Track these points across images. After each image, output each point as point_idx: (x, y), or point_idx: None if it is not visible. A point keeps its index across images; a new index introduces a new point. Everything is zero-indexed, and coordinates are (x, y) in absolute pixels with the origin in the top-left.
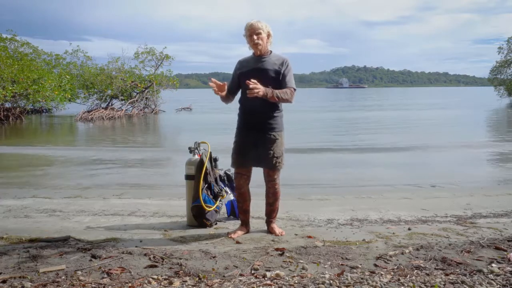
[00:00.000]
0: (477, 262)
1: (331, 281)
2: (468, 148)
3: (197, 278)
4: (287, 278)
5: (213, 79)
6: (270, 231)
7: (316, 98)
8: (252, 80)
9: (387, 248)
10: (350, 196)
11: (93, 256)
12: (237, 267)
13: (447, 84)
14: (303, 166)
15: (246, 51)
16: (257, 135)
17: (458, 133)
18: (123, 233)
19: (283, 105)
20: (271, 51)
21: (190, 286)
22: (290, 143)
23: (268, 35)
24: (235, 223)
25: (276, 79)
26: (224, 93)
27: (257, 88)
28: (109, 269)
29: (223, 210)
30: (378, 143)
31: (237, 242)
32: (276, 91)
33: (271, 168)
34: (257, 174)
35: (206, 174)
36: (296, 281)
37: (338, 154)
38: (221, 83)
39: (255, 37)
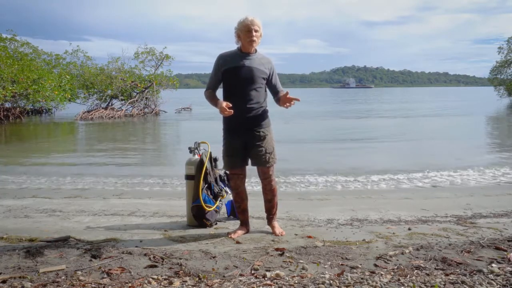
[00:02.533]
0: (477, 262)
1: (331, 281)
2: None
3: (197, 278)
4: (287, 278)
5: (226, 107)
6: (270, 227)
7: (329, 98)
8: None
9: (387, 248)
10: (350, 196)
11: (93, 256)
12: (237, 267)
13: (447, 84)
14: None
15: None
16: (246, 134)
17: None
18: (123, 233)
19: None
20: (256, 49)
21: (190, 286)
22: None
23: (260, 35)
24: (235, 223)
25: (262, 78)
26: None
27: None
28: (109, 269)
29: (223, 210)
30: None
31: (237, 242)
32: None
33: (265, 165)
34: (254, 173)
35: (206, 174)
36: (296, 281)
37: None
38: (230, 104)
39: (254, 33)
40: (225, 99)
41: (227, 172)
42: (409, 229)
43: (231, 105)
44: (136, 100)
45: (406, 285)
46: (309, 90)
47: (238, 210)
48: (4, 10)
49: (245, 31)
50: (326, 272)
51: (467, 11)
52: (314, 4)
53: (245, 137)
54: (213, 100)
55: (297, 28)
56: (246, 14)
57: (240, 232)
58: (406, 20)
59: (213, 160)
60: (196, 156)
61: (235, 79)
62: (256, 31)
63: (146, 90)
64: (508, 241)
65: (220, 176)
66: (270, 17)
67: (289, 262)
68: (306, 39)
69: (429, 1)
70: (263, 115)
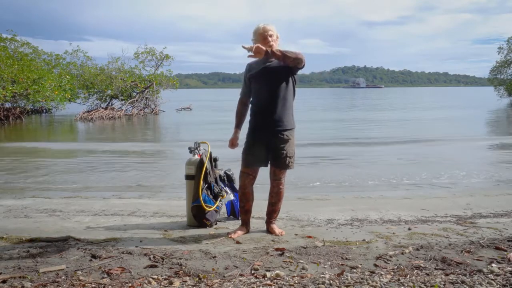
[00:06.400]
0: (477, 262)
1: (331, 281)
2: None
3: (197, 278)
4: (287, 278)
5: (232, 145)
6: (269, 231)
7: (347, 99)
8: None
9: (387, 248)
10: (350, 196)
11: (93, 256)
12: (237, 267)
13: (447, 84)
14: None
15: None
16: (269, 135)
17: None
18: (123, 233)
19: (294, 103)
20: None
21: (190, 286)
22: None
23: (277, 37)
24: (235, 223)
25: (286, 76)
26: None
27: (259, 47)
28: (109, 269)
29: (223, 210)
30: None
31: (237, 242)
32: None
33: (284, 168)
34: (259, 174)
35: (206, 174)
36: (296, 281)
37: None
38: (236, 141)
39: (269, 38)
40: (253, 102)
41: (227, 172)
42: (409, 229)
43: (236, 146)
44: (136, 100)
45: (406, 285)
46: (309, 90)
47: (241, 210)
48: (4, 10)
49: (262, 39)
50: (326, 272)
51: (467, 11)
52: (314, 4)
53: (268, 138)
54: (237, 119)
55: (297, 28)
56: (252, 18)
57: (240, 232)
58: (406, 20)
59: (213, 160)
60: (196, 156)
61: (260, 82)
62: (271, 36)
63: (146, 90)
64: (508, 241)
65: (220, 176)
66: (270, 17)
67: (289, 262)
68: (306, 39)
69: (429, 1)
70: (289, 118)
